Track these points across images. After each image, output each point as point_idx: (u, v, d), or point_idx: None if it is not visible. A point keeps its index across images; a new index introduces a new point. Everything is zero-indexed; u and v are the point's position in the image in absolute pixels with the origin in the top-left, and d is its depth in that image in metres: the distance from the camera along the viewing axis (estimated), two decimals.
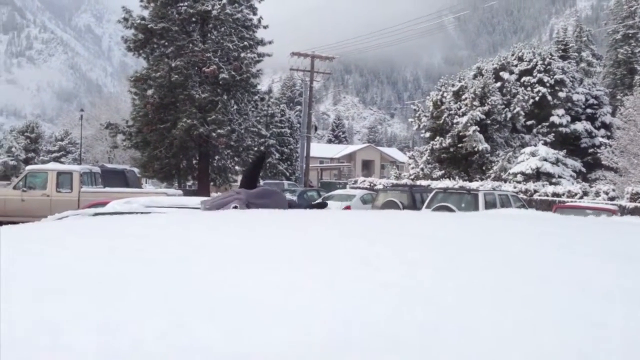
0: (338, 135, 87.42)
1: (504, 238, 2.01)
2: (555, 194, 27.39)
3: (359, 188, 34.28)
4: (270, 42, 30.32)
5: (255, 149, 32.63)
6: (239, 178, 39.38)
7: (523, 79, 41.72)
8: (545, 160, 32.63)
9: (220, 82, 28.14)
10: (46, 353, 0.86)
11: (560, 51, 47.17)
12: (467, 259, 1.53)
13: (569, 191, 27.05)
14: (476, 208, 15.54)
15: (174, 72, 27.27)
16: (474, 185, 29.12)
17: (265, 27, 30.27)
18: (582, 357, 0.88)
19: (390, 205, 17.33)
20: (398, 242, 1.81)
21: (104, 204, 7.99)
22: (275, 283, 1.21)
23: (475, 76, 41.75)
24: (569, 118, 40.96)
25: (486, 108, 37.81)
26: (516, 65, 42.85)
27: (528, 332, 0.96)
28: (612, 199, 25.12)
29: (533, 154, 33.23)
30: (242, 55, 28.52)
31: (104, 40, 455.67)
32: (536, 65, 41.75)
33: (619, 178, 28.90)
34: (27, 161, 57.05)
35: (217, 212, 3.07)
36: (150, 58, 28.93)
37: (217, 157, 31.16)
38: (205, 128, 27.17)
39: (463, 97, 38.87)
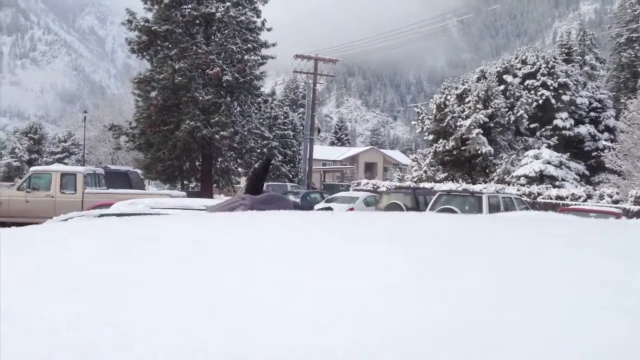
0: (341, 137, 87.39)
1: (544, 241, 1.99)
2: (559, 197, 27.36)
3: (362, 190, 34.25)
4: (273, 45, 30.38)
5: (258, 150, 32.66)
6: (242, 180, 39.49)
7: (527, 82, 41.67)
8: (549, 163, 32.58)
9: (224, 84, 28.19)
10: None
11: (564, 54, 47.12)
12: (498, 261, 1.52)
13: (573, 194, 27.02)
14: (480, 211, 15.52)
15: (178, 74, 27.33)
16: (477, 187, 29.11)
17: (269, 30, 30.31)
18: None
19: (393, 207, 17.31)
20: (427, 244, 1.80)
21: (108, 205, 8.00)
22: (332, 287, 1.21)
23: (478, 79, 41.72)
24: (572, 121, 40.90)
25: (490, 111, 37.78)
26: (520, 69, 42.81)
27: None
28: (616, 202, 25.08)
29: (536, 157, 33.19)
30: (246, 57, 28.58)
31: (107, 42, 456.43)
32: (540, 68, 41.70)
33: (623, 181, 28.86)
34: (30, 162, 57.13)
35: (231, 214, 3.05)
36: (154, 60, 29.00)
37: (220, 159, 31.18)
38: (208, 130, 27.21)
39: (466, 100, 38.85)
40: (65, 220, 4.73)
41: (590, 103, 42.59)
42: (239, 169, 34.50)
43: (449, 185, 31.46)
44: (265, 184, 25.56)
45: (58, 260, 1.49)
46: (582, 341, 0.93)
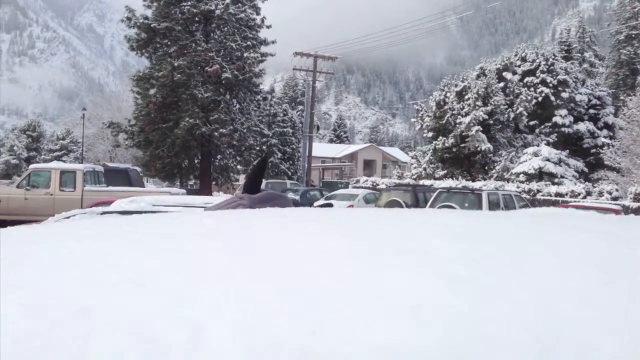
0: (340, 135, 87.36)
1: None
2: (558, 194, 27.38)
3: (362, 188, 34.27)
4: (273, 42, 30.30)
5: (258, 148, 32.61)
6: (241, 177, 39.44)
7: (526, 79, 41.66)
8: (548, 160, 32.61)
9: (223, 82, 28.14)
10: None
11: (564, 52, 47.11)
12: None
13: (572, 191, 27.03)
14: (479, 208, 15.53)
15: (177, 71, 27.28)
16: (476, 185, 29.11)
17: (268, 27, 30.25)
18: None
19: (393, 204, 17.29)
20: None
21: (108, 203, 8.00)
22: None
23: (478, 76, 41.72)
24: (571, 118, 40.90)
25: (489, 108, 37.78)
26: (519, 66, 42.79)
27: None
28: (615, 198, 25.10)
29: (536, 154, 33.21)
30: (245, 55, 28.52)
31: (106, 39, 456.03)
32: (539, 65, 41.68)
33: (621, 178, 28.86)
34: (28, 160, 57.14)
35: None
36: (153, 57, 28.96)
37: (219, 157, 31.15)
38: (207, 127, 27.18)
39: (466, 97, 38.84)
40: (68, 217, 4.72)
41: (590, 100, 42.59)
42: (238, 167, 34.45)
43: (449, 183, 31.47)
44: (264, 182, 25.46)
45: (119, 254, 1.49)
46: None
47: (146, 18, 28.22)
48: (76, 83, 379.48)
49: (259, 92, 31.19)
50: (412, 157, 45.15)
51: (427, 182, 33.21)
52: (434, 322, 0.96)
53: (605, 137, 39.86)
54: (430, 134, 41.34)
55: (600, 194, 26.07)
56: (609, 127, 41.30)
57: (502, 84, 40.33)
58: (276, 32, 30.74)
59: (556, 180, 31.52)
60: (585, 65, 51.39)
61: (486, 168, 37.63)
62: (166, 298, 1.08)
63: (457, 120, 38.41)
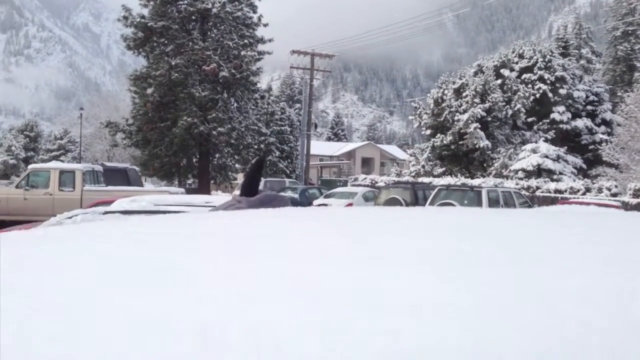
0: (337, 133, 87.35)
1: None
2: (557, 191, 27.42)
3: (360, 185, 34.27)
4: (270, 40, 30.26)
5: (256, 146, 32.59)
6: (239, 176, 39.42)
7: (524, 76, 41.68)
8: (546, 157, 32.64)
9: (221, 80, 28.11)
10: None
11: (561, 48, 47.14)
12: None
13: (572, 187, 27.08)
14: (479, 205, 15.51)
15: (174, 70, 27.24)
16: (475, 182, 29.13)
17: (265, 25, 30.20)
18: None
19: (393, 202, 17.28)
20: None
21: (108, 203, 7.96)
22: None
23: (475, 73, 41.73)
24: (569, 115, 40.94)
25: (487, 105, 37.81)
26: (517, 63, 42.81)
27: None
28: (614, 195, 25.15)
29: (534, 151, 33.25)
30: (242, 53, 28.47)
31: (102, 38, 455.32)
32: (537, 62, 41.71)
33: (620, 174, 28.92)
34: (26, 160, 57.06)
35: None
36: (150, 56, 28.88)
37: (217, 155, 31.13)
38: (205, 126, 27.16)
39: (464, 94, 38.87)
40: (70, 217, 4.69)
41: (587, 97, 42.63)
42: (236, 165, 34.43)
43: (448, 180, 31.49)
44: (263, 180, 25.44)
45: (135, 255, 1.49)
46: None
47: (143, 17, 28.17)
48: (73, 83, 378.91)
49: (256, 91, 31.17)
50: (411, 155, 45.21)
51: (425, 180, 33.24)
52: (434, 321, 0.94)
53: (603, 133, 39.92)
54: (428, 132, 41.37)
55: (600, 190, 26.12)
56: (606, 123, 41.36)
57: (499, 81, 40.37)
58: (273, 30, 30.71)
59: (555, 176, 31.56)
60: (582, 62, 51.43)
61: (485, 165, 37.67)
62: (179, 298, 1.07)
63: (455, 118, 38.43)
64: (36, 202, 16.77)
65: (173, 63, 27.30)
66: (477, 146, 37.14)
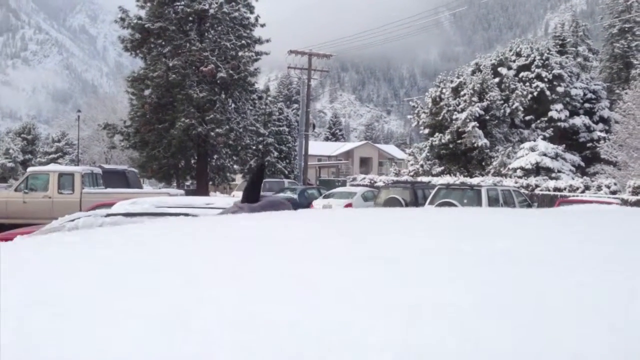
0: (335, 132, 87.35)
1: None
2: (556, 189, 27.43)
3: (359, 185, 34.27)
4: (267, 41, 30.22)
5: (254, 147, 32.58)
6: (238, 177, 39.32)
7: (521, 74, 41.69)
8: (545, 155, 32.67)
9: (218, 81, 28.07)
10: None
11: (558, 46, 47.14)
12: None
13: (571, 185, 27.09)
14: (479, 204, 15.52)
15: (172, 71, 27.19)
16: (475, 181, 29.14)
17: (262, 26, 30.17)
18: None
19: (392, 202, 17.28)
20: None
21: (108, 205, 7.93)
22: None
23: (473, 72, 41.73)
24: (567, 113, 40.95)
25: (485, 104, 37.83)
26: (514, 61, 42.83)
27: None
28: (613, 192, 25.16)
29: (532, 149, 33.27)
30: (240, 54, 28.43)
31: (98, 40, 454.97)
32: (534, 60, 41.73)
33: (618, 172, 28.94)
34: (24, 163, 56.96)
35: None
36: (148, 58, 28.82)
37: (215, 157, 31.10)
38: (203, 127, 27.11)
39: (462, 93, 38.88)
40: (72, 220, 4.67)
41: (585, 94, 42.64)
42: (235, 166, 34.43)
43: (447, 179, 31.49)
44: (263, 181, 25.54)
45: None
46: None
47: (140, 18, 28.12)
48: (70, 85, 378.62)
49: (254, 91, 31.13)
50: (409, 154, 45.23)
51: (424, 179, 33.25)
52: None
53: (601, 131, 39.96)
54: (426, 131, 41.38)
55: (599, 188, 26.14)
56: (604, 120, 41.38)
57: (497, 80, 40.38)
58: (270, 30, 30.67)
59: (553, 175, 31.58)
60: (579, 59, 51.44)
61: (483, 164, 37.68)
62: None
63: (453, 117, 38.44)
64: (35, 205, 16.73)
65: (170, 64, 27.26)
66: (475, 145, 37.15)
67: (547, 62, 41.37)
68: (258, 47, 30.22)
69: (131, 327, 0.91)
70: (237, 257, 1.49)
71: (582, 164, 37.22)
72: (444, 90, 40.55)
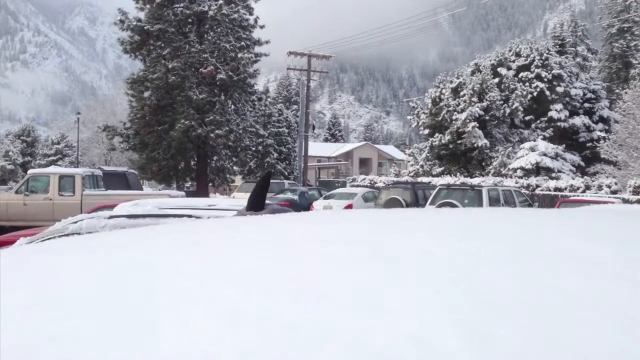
0: (334, 133, 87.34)
1: None
2: (557, 189, 27.42)
3: (359, 186, 34.24)
4: (267, 42, 30.24)
5: (254, 148, 32.54)
6: (237, 178, 39.23)
7: (521, 74, 41.69)
8: (545, 155, 32.65)
9: (218, 83, 28.07)
10: None
11: (557, 46, 47.15)
12: None
13: (571, 185, 27.08)
14: (480, 204, 15.51)
15: (171, 73, 27.18)
16: (475, 181, 29.12)
17: (261, 27, 30.19)
18: None
19: (393, 203, 17.26)
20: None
21: (110, 207, 7.91)
22: None
23: (473, 72, 41.71)
24: (567, 113, 40.94)
25: (485, 104, 37.82)
26: (514, 61, 42.82)
27: None
28: (614, 192, 25.15)
29: (532, 149, 33.25)
30: (239, 55, 28.43)
31: (97, 42, 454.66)
32: (534, 60, 41.73)
33: (618, 171, 28.93)
34: (24, 165, 56.90)
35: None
36: (147, 60, 28.81)
37: (215, 158, 31.10)
38: (203, 129, 27.10)
39: (461, 93, 38.87)
40: (75, 222, 4.65)
41: (584, 94, 42.63)
42: (234, 168, 34.42)
43: (447, 180, 31.47)
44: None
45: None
46: None
47: (139, 20, 28.11)
48: (69, 87, 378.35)
49: (253, 93, 31.11)
50: (409, 155, 45.20)
51: (424, 179, 33.24)
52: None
53: (600, 130, 39.96)
54: (426, 131, 41.36)
55: (600, 187, 26.13)
56: (604, 120, 41.37)
57: (497, 80, 40.37)
58: (269, 32, 30.70)
59: (553, 174, 31.57)
60: (578, 59, 51.47)
61: (483, 164, 37.66)
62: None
63: (453, 117, 38.43)
64: (36, 207, 16.69)
65: (170, 66, 27.25)
66: (475, 145, 37.14)
67: (546, 62, 41.38)
68: (257, 49, 30.23)
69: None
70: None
71: (582, 163, 37.20)
72: (443, 91, 40.54)
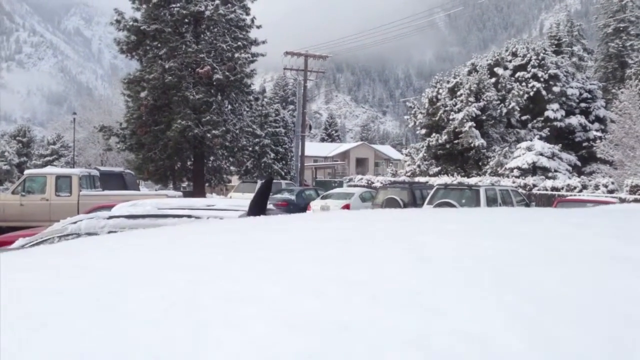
0: (331, 133, 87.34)
1: None
2: (554, 188, 27.45)
3: (356, 186, 34.23)
4: (263, 42, 30.19)
5: (250, 149, 32.48)
6: (234, 179, 39.15)
7: (517, 74, 41.76)
8: (541, 154, 32.69)
9: (214, 83, 28.01)
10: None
11: (554, 46, 47.27)
12: None
13: (568, 185, 27.11)
14: (477, 204, 15.51)
15: (168, 73, 27.11)
16: (472, 181, 29.14)
17: (258, 27, 30.12)
18: None
19: (391, 202, 17.26)
20: None
21: (107, 207, 7.88)
22: None
23: (469, 72, 41.74)
24: (563, 112, 41.02)
25: (481, 104, 37.85)
26: (510, 61, 42.88)
27: None
28: (611, 191, 25.19)
29: (529, 149, 33.29)
30: (236, 55, 28.37)
31: (93, 42, 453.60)
32: (530, 60, 41.80)
33: (614, 171, 29.01)
34: (19, 166, 56.74)
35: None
36: (144, 60, 28.72)
37: (212, 158, 31.08)
38: (199, 129, 27.05)
39: (458, 93, 38.89)
40: (74, 223, 4.62)
41: (580, 94, 42.72)
42: (231, 168, 34.37)
43: (444, 179, 31.48)
44: (258, 182, 25.24)
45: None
46: None
47: (135, 20, 28.03)
48: (64, 87, 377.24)
49: (250, 93, 31.08)
50: (406, 155, 45.21)
51: (421, 179, 33.25)
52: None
53: (597, 130, 40.06)
54: (423, 131, 41.38)
55: (596, 187, 26.16)
56: (600, 120, 41.46)
57: (493, 80, 40.40)
58: (266, 32, 30.65)
59: (550, 174, 31.60)
60: (574, 59, 51.61)
61: (480, 164, 37.69)
62: None
63: (450, 117, 38.44)
64: (33, 207, 16.63)
65: (166, 66, 27.18)
66: (472, 145, 37.16)
67: (543, 62, 41.45)
68: (254, 49, 30.17)
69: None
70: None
71: (579, 163, 37.28)
72: (440, 91, 40.55)
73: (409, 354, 0.81)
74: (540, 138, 36.48)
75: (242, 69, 28.77)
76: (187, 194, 27.39)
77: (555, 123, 40.33)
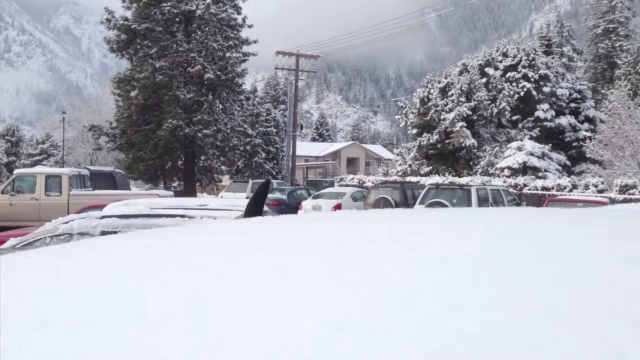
0: (322, 133, 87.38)
1: None
2: (544, 188, 27.59)
3: (348, 186, 34.25)
4: (255, 42, 30.14)
5: (241, 148, 32.43)
6: (225, 178, 39.10)
7: (508, 74, 41.95)
8: (532, 154, 32.85)
9: (206, 82, 27.93)
10: None
11: (544, 46, 47.51)
12: None
13: (559, 184, 27.26)
14: (469, 203, 15.57)
15: (159, 72, 27.00)
16: (463, 180, 29.22)
17: (249, 27, 30.06)
18: None
19: (382, 202, 17.28)
20: None
21: (98, 207, 7.83)
22: None
23: (460, 72, 41.86)
24: (553, 112, 41.25)
25: (472, 104, 37.97)
26: (501, 61, 43.06)
27: None
28: (601, 191, 25.34)
29: (519, 149, 33.44)
30: (227, 54, 28.30)
31: (83, 41, 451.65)
32: (521, 60, 42.00)
33: (604, 171, 29.22)
34: (8, 165, 56.40)
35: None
36: (134, 59, 28.57)
37: (203, 158, 30.98)
38: (190, 128, 26.96)
39: (449, 93, 39.00)
40: (66, 223, 4.58)
41: (570, 94, 42.98)
42: (222, 167, 34.29)
43: (436, 179, 31.57)
44: (250, 182, 25.15)
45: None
46: None
47: (126, 19, 27.90)
48: (54, 86, 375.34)
49: (241, 92, 31.03)
50: (397, 154, 45.30)
51: (413, 179, 33.32)
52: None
53: (586, 130, 40.30)
54: (414, 131, 41.45)
55: (586, 187, 26.31)
56: (589, 120, 41.73)
57: (484, 80, 40.54)
58: (257, 31, 30.62)
59: (540, 174, 31.76)
60: (564, 60, 51.94)
61: (471, 163, 37.82)
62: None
63: (441, 117, 38.54)
64: (22, 207, 16.50)
65: (157, 65, 27.06)
66: (463, 145, 37.29)
67: (533, 62, 41.66)
68: (245, 48, 30.11)
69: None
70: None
71: (568, 163, 37.49)
72: (431, 91, 40.65)
73: (408, 354, 0.80)
74: (531, 138, 36.66)
75: (234, 69, 28.72)
76: (177, 194, 27.27)
77: (545, 123, 40.55)
